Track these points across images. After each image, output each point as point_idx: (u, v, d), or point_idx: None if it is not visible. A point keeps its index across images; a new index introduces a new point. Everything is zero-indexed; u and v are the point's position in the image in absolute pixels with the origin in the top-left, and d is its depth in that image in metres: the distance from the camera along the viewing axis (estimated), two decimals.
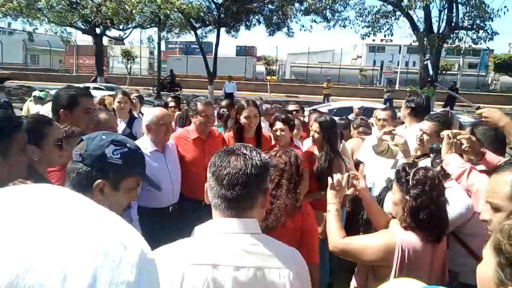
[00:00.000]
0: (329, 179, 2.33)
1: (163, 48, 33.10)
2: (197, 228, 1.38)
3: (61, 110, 2.70)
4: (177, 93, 21.24)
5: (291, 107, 5.93)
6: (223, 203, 1.34)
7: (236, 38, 23.11)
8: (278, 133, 3.83)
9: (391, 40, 45.86)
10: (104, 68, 25.25)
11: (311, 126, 4.06)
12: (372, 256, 2.02)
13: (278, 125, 3.84)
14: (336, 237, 2.13)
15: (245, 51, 46.06)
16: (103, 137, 1.49)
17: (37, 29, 23.26)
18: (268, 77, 26.93)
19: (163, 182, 3.39)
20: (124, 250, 0.51)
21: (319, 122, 3.81)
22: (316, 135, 3.80)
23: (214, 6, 21.90)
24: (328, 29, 21.97)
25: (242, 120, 3.82)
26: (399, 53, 41.09)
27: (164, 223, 3.45)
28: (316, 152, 3.98)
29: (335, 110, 11.65)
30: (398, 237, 2.00)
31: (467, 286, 2.13)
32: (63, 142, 2.27)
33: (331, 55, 53.26)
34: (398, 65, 37.35)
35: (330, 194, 2.30)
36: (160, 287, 1.15)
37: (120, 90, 5.26)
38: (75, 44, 37.65)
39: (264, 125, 4.38)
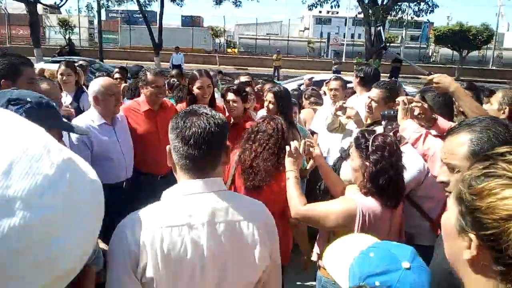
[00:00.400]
0: (287, 147, 2.31)
1: (103, 17, 31.36)
2: (165, 192, 1.41)
3: (2, 80, 2.45)
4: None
5: (242, 79, 5.84)
6: (191, 163, 1.36)
7: (181, 6, 22.53)
8: (230, 104, 3.75)
9: (337, 12, 46.61)
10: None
11: (265, 97, 4.01)
12: (333, 222, 2.04)
13: (230, 96, 3.76)
14: (297, 204, 2.14)
15: (191, 21, 44.76)
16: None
17: None
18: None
19: (114, 156, 3.25)
20: (45, 151, 0.52)
21: (274, 92, 3.76)
22: (271, 106, 3.76)
23: None
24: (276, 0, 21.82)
25: (195, 91, 3.69)
26: (345, 25, 41.70)
27: (118, 199, 3.30)
28: None
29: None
30: (358, 202, 2.03)
31: (422, 248, 2.22)
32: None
33: (279, 27, 53.08)
34: (344, 37, 37.98)
35: (288, 162, 2.28)
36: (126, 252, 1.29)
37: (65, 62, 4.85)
38: (5, 13, 34.72)
39: (217, 95, 4.28)
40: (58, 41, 34.98)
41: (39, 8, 26.92)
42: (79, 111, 4.11)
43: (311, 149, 2.45)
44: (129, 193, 3.42)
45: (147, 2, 22.93)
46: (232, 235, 1.36)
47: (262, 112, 4.40)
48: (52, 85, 2.93)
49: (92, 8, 23.79)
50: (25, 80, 2.48)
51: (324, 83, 10.20)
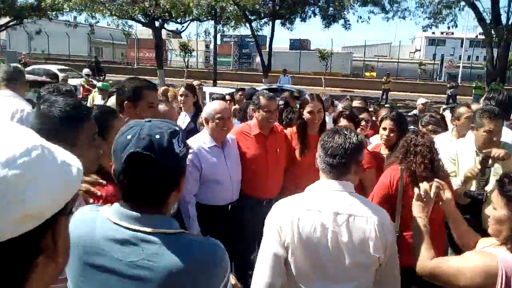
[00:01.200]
0: (415, 189, 2.04)
1: (218, 41, 33.48)
2: (308, 187, 1.92)
3: (125, 102, 2.60)
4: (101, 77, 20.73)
5: (355, 103, 5.59)
6: (327, 168, 1.85)
7: (291, 30, 22.82)
8: None
9: (452, 33, 43.64)
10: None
11: (379, 122, 3.74)
12: (467, 281, 1.71)
13: (342, 121, 3.57)
14: (424, 258, 1.85)
15: (299, 45, 45.45)
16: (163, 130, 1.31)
17: (98, 22, 24.20)
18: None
19: (221, 179, 3.25)
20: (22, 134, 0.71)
21: (393, 119, 3.49)
22: (390, 134, 3.49)
23: None
24: (387, 21, 21.26)
25: (305, 115, 3.58)
26: (461, 46, 38.66)
27: (222, 221, 3.31)
28: (383, 151, 3.67)
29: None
30: (500, 260, 1.68)
31: None
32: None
33: (388, 48, 51.28)
34: (460, 59, 35.19)
35: (417, 207, 2.01)
36: (274, 226, 1.82)
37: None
38: (136, 38, 38.90)
39: (329, 120, 4.11)
40: (178, 63, 38.00)
41: (164, 33, 29.76)
42: (195, 131, 4.24)
43: (441, 192, 2.14)
44: (234, 215, 3.40)
45: (259, 27, 23.79)
46: (351, 225, 1.76)
47: (376, 139, 4.12)
48: (170, 107, 3.06)
49: (209, 33, 25.33)
50: (145, 104, 2.59)
51: (442, 108, 9.43)
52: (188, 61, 35.78)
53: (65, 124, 1.50)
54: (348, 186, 1.84)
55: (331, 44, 35.65)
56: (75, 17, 25.62)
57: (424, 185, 2.02)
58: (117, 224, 1.19)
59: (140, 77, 2.75)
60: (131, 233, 1.17)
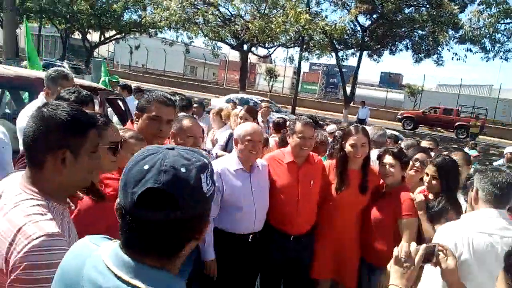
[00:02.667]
0: (395, 250, 1.60)
1: (306, 69, 33.60)
2: (469, 214, 2.27)
3: (136, 111, 2.54)
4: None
5: (424, 144, 5.01)
6: (493, 199, 2.12)
7: (378, 62, 22.11)
8: (386, 168, 3.17)
9: None
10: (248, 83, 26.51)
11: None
12: None
13: (388, 159, 3.18)
14: None
15: (389, 78, 43.95)
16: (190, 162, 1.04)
17: (193, 41, 25.65)
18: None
19: (244, 205, 3.04)
20: None
21: (437, 165, 3.04)
22: (432, 181, 3.06)
23: (359, 28, 21.25)
24: (486, 61, 19.51)
25: (347, 148, 3.26)
26: None
27: (241, 252, 3.08)
28: (431, 197, 3.21)
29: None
30: None
31: None
32: (118, 147, 2.07)
33: (488, 90, 47.37)
34: None
35: (394, 272, 1.57)
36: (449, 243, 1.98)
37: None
38: (226, 59, 40.57)
39: (374, 157, 3.72)
40: (265, 87, 38.82)
41: (254, 58, 30.72)
42: None
43: (441, 256, 1.70)
44: (255, 247, 3.16)
45: (345, 57, 23.41)
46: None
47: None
48: (194, 123, 2.91)
49: (293, 59, 25.54)
50: (149, 116, 2.49)
51: None
52: (272, 85, 36.30)
53: (71, 129, 1.37)
54: (504, 214, 2.13)
55: (423, 79, 33.90)
56: (176, 37, 27.49)
57: (407, 246, 1.60)
58: (109, 269, 0.98)
59: (163, 91, 2.67)
60: (119, 283, 0.95)
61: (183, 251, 1.00)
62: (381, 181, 3.40)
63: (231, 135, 5.13)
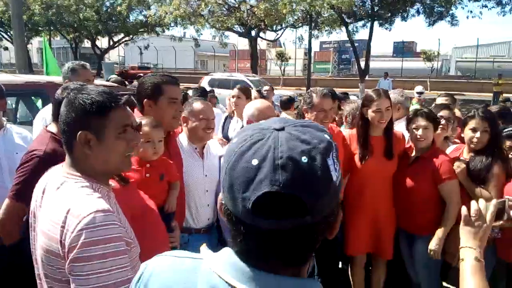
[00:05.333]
0: (463, 208, 1.41)
1: (317, 48, 32.98)
2: None
3: (145, 100, 2.37)
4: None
5: (439, 100, 4.70)
6: None
7: (390, 30, 21.51)
8: (420, 132, 2.92)
9: None
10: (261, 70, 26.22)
11: (464, 123, 3.03)
12: None
13: (420, 121, 2.93)
14: None
15: (402, 47, 42.87)
16: (311, 145, 0.77)
17: (201, 34, 25.57)
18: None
19: None
20: None
21: (483, 117, 2.81)
22: (482, 136, 2.83)
23: None
24: (503, 15, 18.64)
25: (370, 114, 3.02)
26: None
27: None
28: (465, 155, 2.97)
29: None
30: None
31: None
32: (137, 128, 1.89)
33: (507, 48, 45.56)
34: None
35: (466, 233, 1.39)
36: None
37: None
38: (235, 49, 40.31)
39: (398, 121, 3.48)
40: (277, 72, 38.44)
41: (264, 43, 30.39)
42: None
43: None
44: None
45: (355, 30, 22.84)
46: None
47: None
48: (205, 104, 2.74)
49: (303, 39, 25.16)
50: (166, 100, 2.34)
51: None
52: (284, 69, 35.93)
53: (91, 112, 1.36)
54: None
55: (438, 44, 32.88)
56: (184, 33, 27.40)
57: (476, 204, 1.40)
58: (229, 283, 0.77)
59: (158, 72, 2.51)
60: None
61: (313, 254, 0.81)
62: (408, 145, 3.17)
63: (226, 117, 4.96)
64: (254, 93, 5.56)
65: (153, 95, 2.37)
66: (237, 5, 22.54)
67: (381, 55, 41.87)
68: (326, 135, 0.76)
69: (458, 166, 2.82)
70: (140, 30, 28.90)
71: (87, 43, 33.79)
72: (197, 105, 2.73)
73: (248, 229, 0.73)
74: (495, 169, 2.73)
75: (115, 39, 31.87)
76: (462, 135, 3.04)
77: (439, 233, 2.83)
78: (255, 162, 0.70)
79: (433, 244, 2.83)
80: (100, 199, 1.32)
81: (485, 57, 37.16)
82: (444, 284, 3.28)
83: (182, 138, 2.76)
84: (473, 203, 1.38)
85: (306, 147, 0.70)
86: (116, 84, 5.63)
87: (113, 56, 42.46)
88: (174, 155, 2.49)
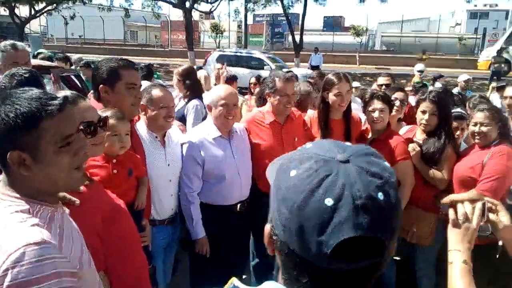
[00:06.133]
0: (450, 212, 1.42)
1: (250, 21, 32.75)
2: None
3: (100, 86, 2.18)
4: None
5: (381, 80, 4.91)
6: None
7: (324, 6, 21.87)
8: (376, 114, 3.00)
9: (496, 5, 40.76)
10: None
11: (416, 104, 3.16)
12: None
13: (377, 104, 3.00)
14: None
15: (332, 22, 43.91)
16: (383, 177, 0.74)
17: (132, 4, 24.13)
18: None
19: (228, 174, 2.81)
20: None
21: (433, 100, 2.93)
22: (431, 118, 2.94)
23: None
24: None
25: (331, 98, 3.05)
26: (506, 19, 35.86)
27: (231, 223, 2.87)
28: (418, 136, 3.12)
29: None
30: None
31: None
32: (95, 127, 1.70)
33: (427, 23, 48.39)
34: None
35: (453, 236, 1.40)
36: None
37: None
38: (168, 20, 38.75)
39: (356, 105, 3.55)
40: (211, 45, 37.63)
41: (196, 15, 29.41)
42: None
43: (492, 215, 1.52)
44: (245, 215, 2.96)
45: (290, 4, 22.92)
46: None
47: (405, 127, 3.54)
48: (165, 91, 2.58)
49: (239, 12, 24.76)
50: (123, 85, 2.17)
51: (491, 86, 8.48)
52: (219, 42, 35.34)
53: (18, 127, 1.10)
54: None
55: (366, 20, 34.05)
56: (111, 1, 25.60)
57: (463, 207, 1.43)
58: None
59: (117, 56, 2.32)
60: None
61: None
62: (364, 127, 3.26)
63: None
64: (201, 73, 5.35)
65: (109, 81, 2.19)
66: None
67: (312, 29, 42.57)
68: (386, 163, 0.73)
69: (413, 149, 2.95)
70: None
71: (4, 11, 30.44)
72: (156, 92, 2.57)
73: (317, 270, 0.68)
74: (447, 152, 2.89)
75: (37, 7, 29.02)
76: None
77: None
78: (329, 202, 0.65)
79: None
80: (34, 227, 1.10)
81: (407, 32, 39.15)
82: None
83: (140, 127, 2.60)
84: (459, 206, 1.41)
85: (379, 182, 0.67)
86: (48, 63, 5.15)
87: (34, 26, 38.84)
88: (136, 146, 2.34)
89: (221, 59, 14.58)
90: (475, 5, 36.02)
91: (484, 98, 4.41)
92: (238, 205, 2.89)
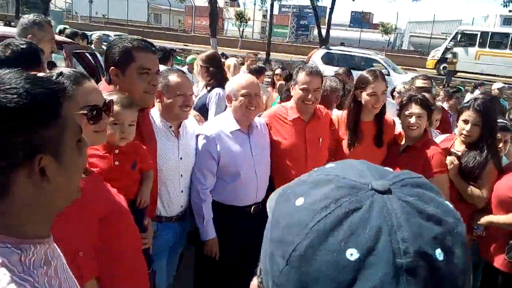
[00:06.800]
0: None
1: (276, 11, 32.24)
2: None
3: (111, 68, 1.95)
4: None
5: (419, 83, 4.58)
6: None
7: (353, 0, 21.28)
8: (413, 119, 2.71)
9: None
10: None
11: (459, 113, 2.86)
12: None
13: (415, 108, 2.71)
14: None
15: (360, 18, 43.01)
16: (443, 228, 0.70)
17: None
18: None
19: (244, 172, 2.57)
20: None
21: (478, 110, 2.63)
22: (473, 129, 2.65)
23: None
24: None
25: (364, 97, 2.77)
26: None
27: (243, 227, 2.64)
28: (457, 147, 2.83)
29: None
30: None
31: None
32: (100, 112, 1.48)
33: (458, 26, 47.12)
34: None
35: None
36: None
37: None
38: (193, 5, 38.51)
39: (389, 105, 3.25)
40: (234, 33, 37.31)
41: (221, 1, 29.14)
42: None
43: None
44: (259, 220, 2.72)
45: None
46: None
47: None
48: (183, 78, 2.35)
49: (265, 1, 24.33)
50: (135, 69, 1.93)
51: None
52: (243, 30, 34.99)
53: (39, 119, 0.78)
54: None
55: (396, 18, 33.22)
56: None
57: None
58: None
59: (135, 36, 2.08)
60: None
61: None
62: (397, 132, 2.98)
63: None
64: (231, 61, 5.06)
65: (121, 63, 1.96)
66: None
67: (338, 24, 41.80)
68: (448, 202, 0.48)
69: (452, 162, 2.66)
70: None
71: None
72: (173, 78, 2.34)
73: None
74: (489, 167, 2.60)
75: None
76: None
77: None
78: (353, 254, 0.41)
79: None
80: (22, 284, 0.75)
81: (438, 34, 38.11)
82: None
83: (154, 114, 2.37)
84: None
85: (439, 231, 0.43)
86: (70, 40, 4.96)
87: (59, 2, 39.06)
88: (147, 137, 2.12)
89: (327, 58, 13.09)
90: (510, 11, 34.80)
91: None
92: (253, 207, 2.65)
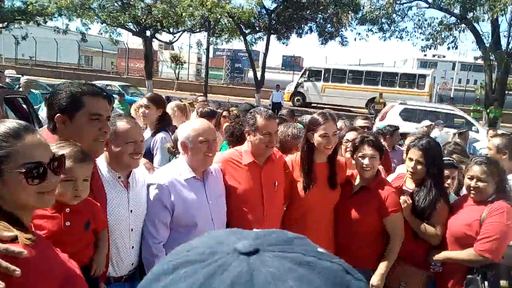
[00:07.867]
0: None
1: (210, 54, 32.76)
2: None
3: (58, 115, 1.77)
4: None
5: (360, 122, 4.75)
6: None
7: (287, 45, 22.33)
8: (366, 161, 2.75)
9: (444, 56, 44.14)
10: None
11: (406, 151, 2.97)
12: None
13: (367, 150, 2.76)
14: None
15: (291, 61, 45.02)
16: None
17: (89, 29, 23.39)
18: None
19: (200, 221, 2.42)
20: None
21: (421, 148, 2.73)
22: (417, 167, 2.72)
23: (265, 11, 21.07)
24: (384, 40, 20.56)
25: (316, 139, 2.77)
26: (453, 69, 38.64)
27: None
28: (408, 185, 2.90)
29: None
30: None
31: None
32: (41, 172, 1.28)
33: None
34: (453, 82, 34.91)
35: None
36: None
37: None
38: (126, 47, 38.10)
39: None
40: (169, 75, 37.23)
41: (155, 44, 29.07)
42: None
43: None
44: None
45: (253, 41, 23.16)
46: None
47: (401, 169, 3.34)
48: (132, 124, 2.20)
49: (201, 45, 24.66)
50: (86, 116, 1.77)
51: (453, 133, 8.64)
52: (178, 73, 35.09)
53: None
54: None
55: (325, 61, 35.20)
56: (66, 25, 24.68)
57: None
58: None
59: (82, 81, 1.92)
60: None
61: None
62: (349, 173, 3.01)
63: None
64: (173, 104, 4.84)
65: (69, 109, 1.79)
66: (131, 2, 21.15)
67: (270, 67, 43.39)
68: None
69: (405, 201, 2.72)
70: (17, 18, 25.26)
71: None
72: (121, 124, 2.18)
73: None
74: (439, 206, 2.68)
75: None
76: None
77: (382, 267, 2.70)
78: None
79: (375, 279, 2.68)
80: None
81: None
82: None
83: (101, 163, 2.18)
84: None
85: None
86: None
87: None
88: (97, 191, 1.92)
89: (406, 113, 12.05)
90: (425, 55, 38.41)
91: (458, 146, 4.32)
92: None
